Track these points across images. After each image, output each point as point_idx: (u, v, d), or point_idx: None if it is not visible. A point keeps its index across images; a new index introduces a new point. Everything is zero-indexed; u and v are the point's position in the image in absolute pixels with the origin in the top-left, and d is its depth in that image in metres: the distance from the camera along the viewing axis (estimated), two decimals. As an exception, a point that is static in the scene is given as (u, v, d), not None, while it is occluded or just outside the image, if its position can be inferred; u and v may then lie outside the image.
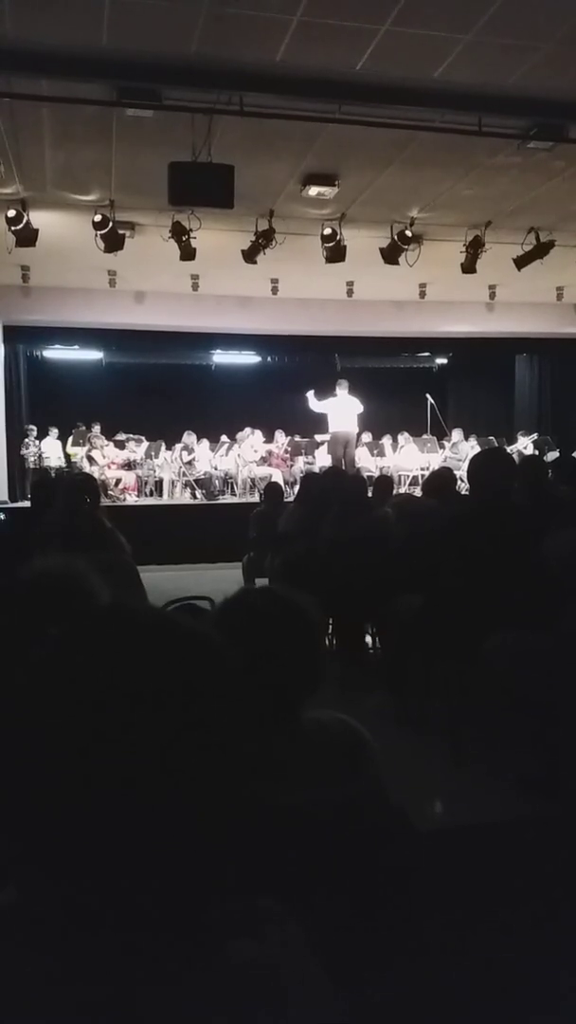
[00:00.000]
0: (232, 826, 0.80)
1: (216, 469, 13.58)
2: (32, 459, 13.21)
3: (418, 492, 10.85)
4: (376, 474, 11.77)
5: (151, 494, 13.26)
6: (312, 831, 1.40)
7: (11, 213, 8.25)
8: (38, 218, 8.50)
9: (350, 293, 12.05)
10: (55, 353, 14.55)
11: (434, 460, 13.63)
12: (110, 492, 12.29)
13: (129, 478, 13.26)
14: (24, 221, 8.40)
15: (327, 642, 5.61)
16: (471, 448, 13.28)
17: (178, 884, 0.72)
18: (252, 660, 1.58)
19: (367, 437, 14.32)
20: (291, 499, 8.92)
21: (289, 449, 13.94)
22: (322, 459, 13.28)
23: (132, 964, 0.69)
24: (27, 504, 11.51)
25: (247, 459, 13.57)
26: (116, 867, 0.70)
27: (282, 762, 1.51)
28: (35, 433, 13.50)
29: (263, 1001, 0.72)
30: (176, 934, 0.71)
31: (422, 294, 12.22)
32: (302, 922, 0.82)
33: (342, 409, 12.61)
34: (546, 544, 3.95)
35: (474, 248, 9.41)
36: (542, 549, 3.89)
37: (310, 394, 12.72)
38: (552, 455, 13.29)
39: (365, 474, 12.56)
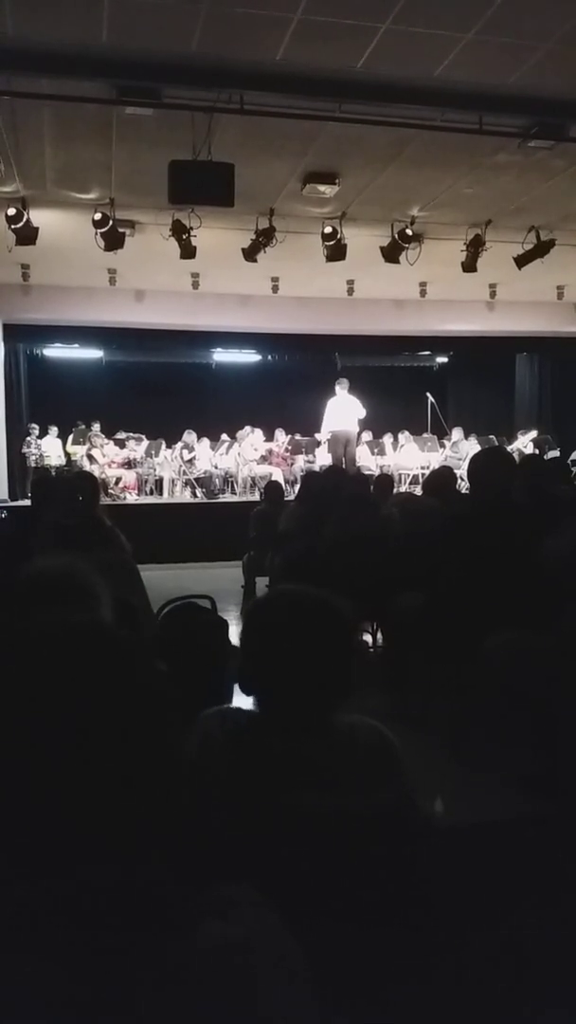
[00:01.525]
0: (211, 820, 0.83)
1: (216, 468, 13.59)
2: (33, 458, 13.22)
3: (418, 491, 10.86)
4: (376, 473, 11.78)
5: (151, 493, 13.26)
6: (345, 836, 1.39)
7: (11, 211, 8.25)
8: (38, 216, 8.49)
9: (350, 292, 12.05)
10: (55, 352, 14.55)
11: (434, 459, 13.63)
12: (110, 491, 12.29)
13: (129, 477, 13.26)
14: (24, 219, 8.39)
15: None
16: (471, 447, 13.27)
17: (136, 872, 0.74)
18: (284, 663, 1.56)
19: (367, 436, 14.32)
20: (291, 498, 8.93)
21: (289, 448, 13.94)
22: (322, 458, 13.28)
23: (98, 950, 0.71)
24: (27, 503, 11.54)
25: (247, 458, 13.57)
26: (60, 862, 0.72)
27: (315, 766, 1.49)
28: (36, 432, 13.50)
29: (233, 981, 0.73)
30: (142, 918, 0.73)
31: (422, 293, 12.21)
32: (322, 926, 0.82)
33: (342, 408, 12.61)
34: (547, 543, 3.94)
35: (475, 247, 9.40)
36: (543, 548, 3.89)
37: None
38: (552, 454, 13.29)
39: (365, 472, 12.58)
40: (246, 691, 1.62)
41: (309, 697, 1.54)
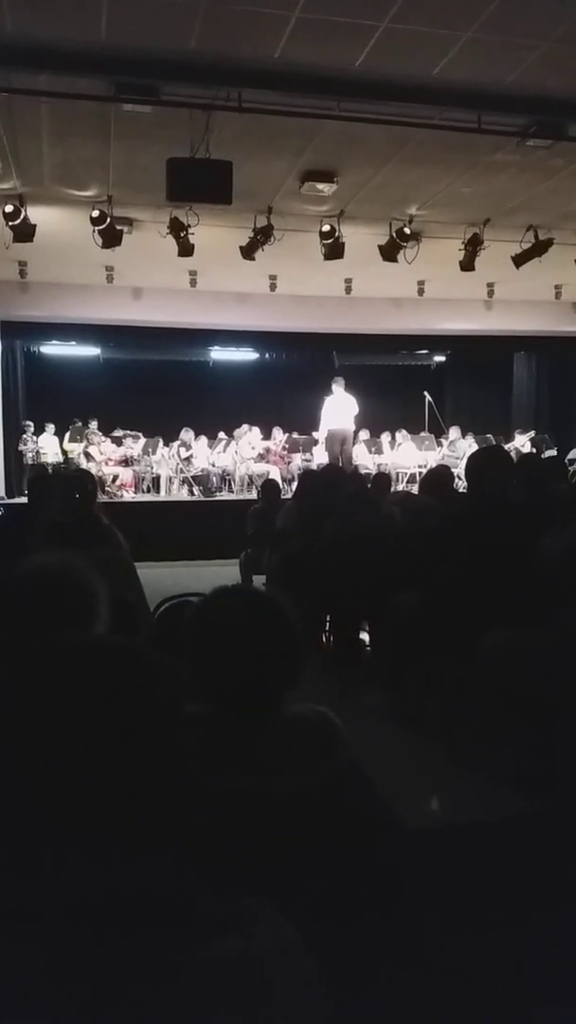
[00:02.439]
0: (208, 819, 0.84)
1: (214, 466, 13.58)
2: (29, 455, 13.20)
3: (415, 490, 10.86)
4: (374, 471, 11.78)
5: (148, 491, 13.25)
6: (289, 816, 1.42)
7: (9, 208, 8.24)
8: (36, 214, 8.47)
9: (348, 290, 12.04)
10: (52, 349, 14.52)
11: (432, 458, 13.63)
12: (107, 488, 12.28)
13: (126, 474, 13.25)
14: (22, 216, 8.37)
15: (324, 640, 5.62)
16: (469, 446, 13.29)
17: (156, 881, 0.75)
18: (227, 659, 1.60)
19: (365, 434, 14.32)
20: (288, 496, 8.92)
21: (287, 446, 13.94)
22: (320, 456, 13.28)
23: (115, 961, 0.71)
24: (24, 500, 11.53)
25: (245, 456, 13.57)
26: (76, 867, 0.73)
27: (261, 754, 1.54)
28: (32, 429, 13.47)
29: (249, 995, 0.73)
30: (161, 931, 0.73)
31: (420, 291, 12.21)
32: (289, 912, 0.82)
33: (338, 406, 12.61)
34: (544, 542, 3.94)
35: (473, 246, 9.40)
36: (540, 547, 3.89)
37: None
38: (549, 453, 13.31)
39: (363, 471, 12.58)
40: (197, 690, 1.67)
41: (256, 689, 1.61)
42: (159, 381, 14.64)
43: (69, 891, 0.73)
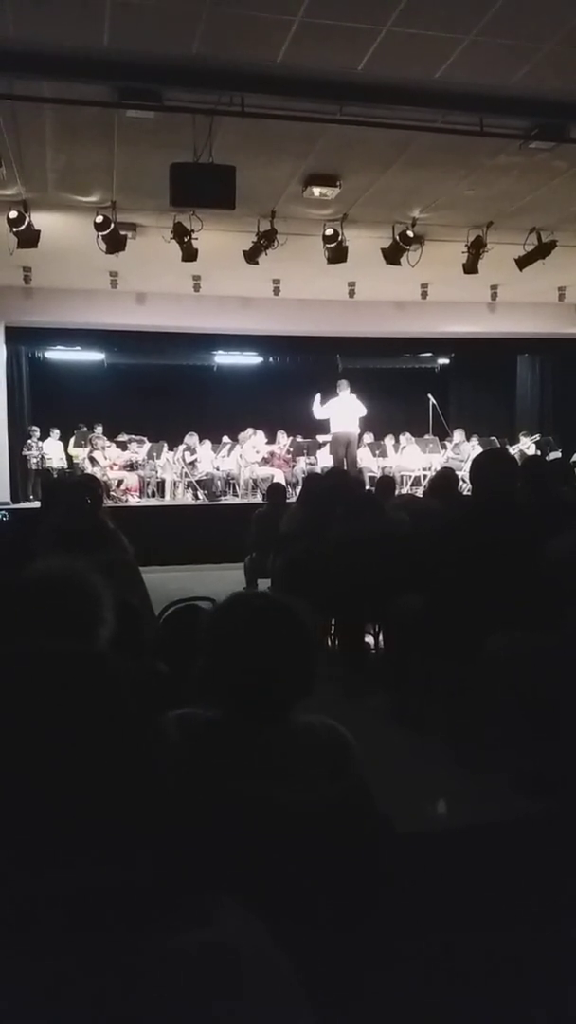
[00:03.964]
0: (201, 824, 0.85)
1: (218, 470, 13.59)
2: (34, 460, 13.23)
3: (419, 493, 10.86)
4: (378, 474, 11.78)
5: (153, 495, 13.27)
6: (296, 829, 1.42)
7: (13, 215, 8.26)
8: (40, 220, 8.50)
9: (352, 294, 12.05)
10: (57, 354, 14.56)
11: (436, 461, 13.63)
12: (112, 493, 12.30)
13: (131, 479, 13.27)
14: (26, 223, 8.40)
15: (329, 643, 5.62)
16: (473, 448, 13.27)
17: (118, 874, 0.76)
18: (241, 664, 1.60)
19: (369, 438, 14.32)
20: (293, 499, 8.93)
21: (291, 450, 13.94)
22: (324, 460, 13.28)
23: (80, 954, 0.72)
24: (32, 505, 11.56)
25: (249, 460, 13.58)
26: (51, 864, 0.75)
27: (270, 762, 1.53)
28: (38, 434, 13.51)
29: (217, 989, 0.73)
30: (125, 924, 0.74)
31: (424, 294, 12.21)
32: (284, 919, 0.83)
33: (343, 410, 12.61)
34: (548, 545, 3.94)
35: (476, 248, 9.40)
36: (544, 550, 3.88)
37: (316, 400, 12.68)
38: (554, 455, 13.29)
39: (367, 475, 12.59)
40: (207, 694, 1.67)
41: (269, 697, 1.60)
42: (163, 385, 14.67)
43: (38, 888, 0.74)
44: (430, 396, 14.53)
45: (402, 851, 1.63)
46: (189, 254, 8.83)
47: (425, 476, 13.13)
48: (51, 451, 13.50)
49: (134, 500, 12.85)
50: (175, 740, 1.54)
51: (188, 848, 0.82)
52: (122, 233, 8.70)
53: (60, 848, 0.75)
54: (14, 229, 8.38)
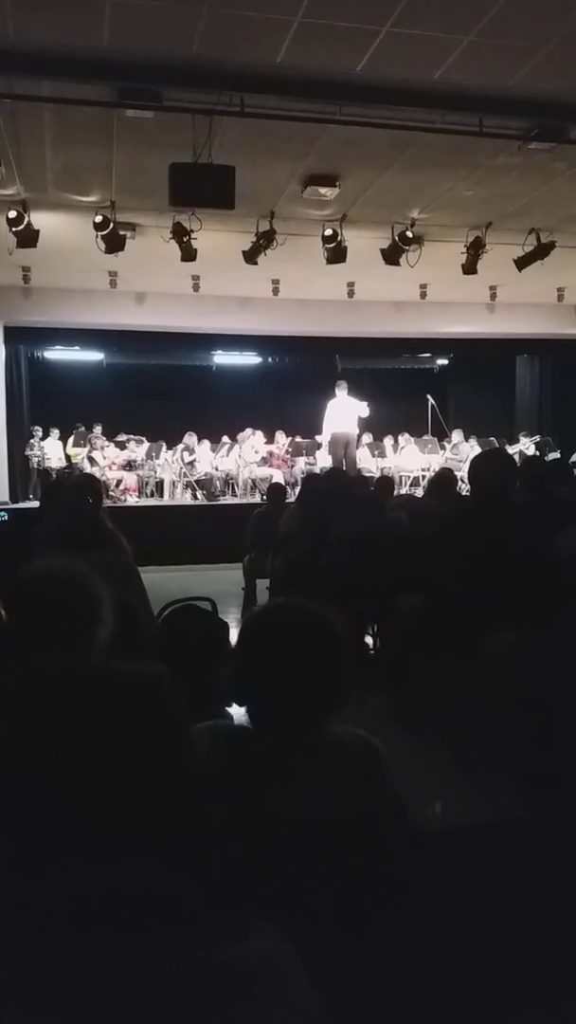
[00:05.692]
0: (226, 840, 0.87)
1: (217, 470, 13.59)
2: (35, 460, 13.24)
3: (419, 493, 10.86)
4: (377, 475, 11.78)
5: (152, 495, 13.27)
6: (328, 841, 1.41)
7: (12, 214, 8.25)
8: (39, 219, 8.50)
9: (351, 294, 12.05)
10: (56, 354, 14.55)
11: (435, 461, 13.63)
12: (111, 493, 12.29)
13: (130, 479, 13.27)
14: (25, 222, 8.40)
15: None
16: (472, 449, 13.28)
17: (155, 886, 0.78)
18: (276, 676, 1.58)
19: (368, 438, 14.32)
20: (292, 500, 8.92)
21: (290, 450, 13.94)
22: (323, 460, 13.28)
23: (111, 961, 0.73)
24: (32, 504, 11.55)
25: (248, 460, 13.58)
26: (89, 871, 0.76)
27: (303, 773, 1.52)
28: (40, 434, 13.52)
29: (244, 1004, 0.74)
30: (159, 935, 0.75)
31: (423, 295, 12.22)
32: (306, 928, 0.84)
33: (342, 410, 12.61)
34: (547, 544, 3.95)
35: (475, 249, 9.41)
36: (544, 549, 3.89)
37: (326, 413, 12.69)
38: (553, 455, 13.29)
39: (366, 475, 12.58)
40: (239, 702, 1.66)
41: (302, 709, 1.58)
42: (162, 385, 14.66)
43: (69, 892, 0.74)
44: (429, 396, 14.54)
45: (425, 861, 1.62)
46: (188, 254, 8.83)
47: (424, 476, 13.13)
48: (50, 451, 13.51)
49: (133, 500, 12.86)
50: (206, 751, 1.55)
51: (227, 859, 0.85)
52: (121, 233, 8.69)
53: (113, 851, 0.77)
54: (13, 229, 8.37)
